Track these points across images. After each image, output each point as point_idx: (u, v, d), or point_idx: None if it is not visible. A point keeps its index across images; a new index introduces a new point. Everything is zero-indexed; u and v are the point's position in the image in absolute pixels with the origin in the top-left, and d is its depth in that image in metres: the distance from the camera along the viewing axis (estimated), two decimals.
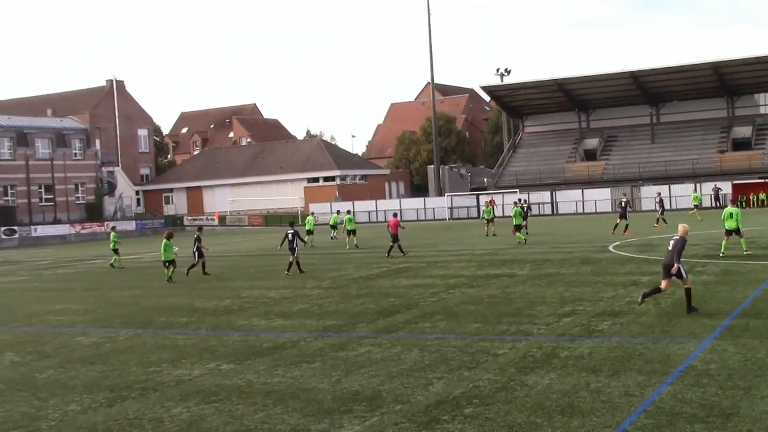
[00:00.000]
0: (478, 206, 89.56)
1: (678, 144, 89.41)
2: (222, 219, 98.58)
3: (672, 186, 78.88)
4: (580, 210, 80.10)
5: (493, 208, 50.64)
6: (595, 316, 16.78)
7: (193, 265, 31.28)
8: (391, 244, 34.96)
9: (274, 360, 14.12)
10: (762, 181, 77.32)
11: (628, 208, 44.47)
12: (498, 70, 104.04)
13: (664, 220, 47.67)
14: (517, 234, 38.89)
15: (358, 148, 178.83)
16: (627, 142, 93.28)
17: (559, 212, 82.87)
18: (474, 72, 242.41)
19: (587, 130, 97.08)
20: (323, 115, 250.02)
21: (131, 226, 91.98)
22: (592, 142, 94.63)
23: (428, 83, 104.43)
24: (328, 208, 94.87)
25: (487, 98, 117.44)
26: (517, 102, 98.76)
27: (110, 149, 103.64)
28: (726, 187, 75.32)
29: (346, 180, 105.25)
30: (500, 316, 17.44)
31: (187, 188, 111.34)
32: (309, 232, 46.87)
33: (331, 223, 51.65)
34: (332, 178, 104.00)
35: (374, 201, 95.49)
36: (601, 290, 20.66)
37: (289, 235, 30.51)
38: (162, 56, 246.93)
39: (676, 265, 16.28)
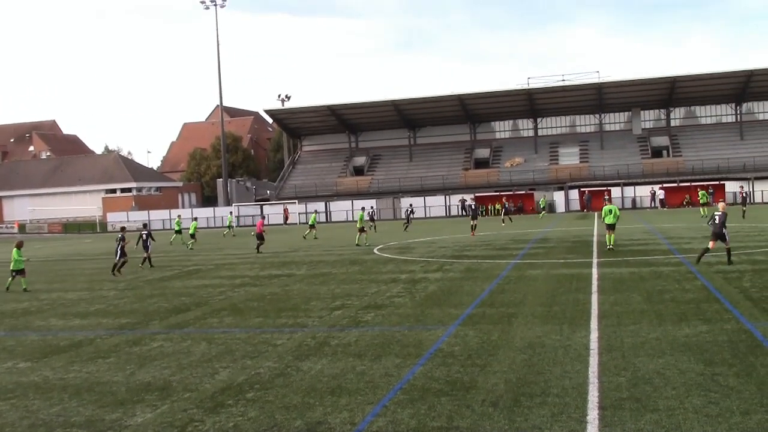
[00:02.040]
0: (262, 215, 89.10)
1: (431, 162, 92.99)
2: (22, 227, 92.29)
3: (426, 197, 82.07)
4: (350, 218, 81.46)
5: (316, 215, 50.38)
6: (361, 309, 17.05)
7: (115, 264, 28.83)
8: (258, 242, 37.36)
9: (71, 357, 13.34)
10: (497, 193, 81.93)
11: (479, 211, 45.31)
12: (279, 95, 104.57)
13: (511, 219, 56.13)
14: (361, 235, 38.55)
15: (153, 162, 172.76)
16: (389, 160, 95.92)
17: (333, 220, 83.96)
18: (259, 96, 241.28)
19: (356, 150, 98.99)
20: (121, 132, 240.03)
21: None
22: (360, 160, 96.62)
23: (218, 106, 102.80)
24: (125, 216, 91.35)
25: (270, 120, 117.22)
26: (296, 124, 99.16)
27: None
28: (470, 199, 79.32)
29: (142, 191, 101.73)
30: (280, 311, 17.38)
31: None
32: (192, 236, 45.30)
33: (176, 228, 49.47)
34: (129, 190, 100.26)
35: (168, 210, 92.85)
36: (367, 287, 21.03)
37: (143, 236, 32.19)
38: None
39: (724, 231, 21.62)
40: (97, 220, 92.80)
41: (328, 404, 9.46)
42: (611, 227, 28.03)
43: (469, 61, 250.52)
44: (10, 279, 25.20)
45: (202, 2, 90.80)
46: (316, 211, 57.47)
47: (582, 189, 78.00)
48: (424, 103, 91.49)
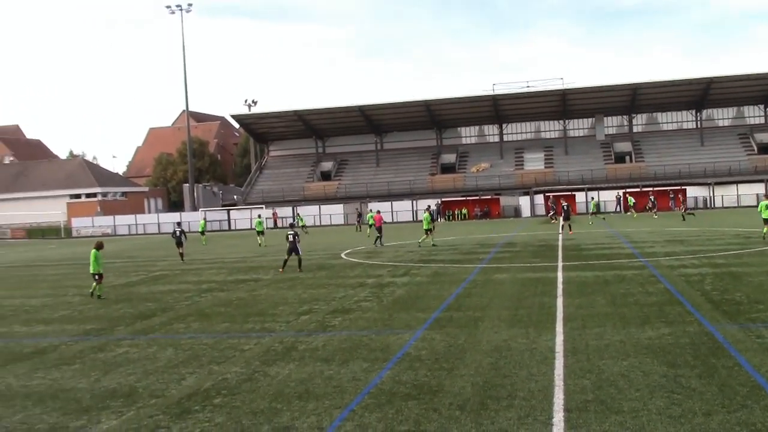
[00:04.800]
0: (229, 220, 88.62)
1: (398, 167, 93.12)
2: None
3: (393, 202, 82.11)
4: (317, 223, 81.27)
5: (263, 221, 50.62)
6: (329, 313, 17.00)
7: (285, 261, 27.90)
8: (378, 235, 39.96)
9: (35, 364, 13.12)
10: (464, 198, 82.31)
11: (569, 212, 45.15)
12: (246, 100, 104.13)
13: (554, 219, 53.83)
14: (428, 237, 37.25)
15: (119, 167, 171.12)
16: (356, 165, 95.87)
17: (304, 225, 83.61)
18: (225, 102, 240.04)
19: (323, 155, 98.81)
20: (86, 137, 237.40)
21: None
22: (327, 165, 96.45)
23: (184, 111, 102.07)
24: (90, 222, 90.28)
25: (236, 125, 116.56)
26: (263, 129, 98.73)
27: None
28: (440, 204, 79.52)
29: (107, 196, 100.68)
30: (247, 316, 17.26)
31: None
32: (201, 233, 50.94)
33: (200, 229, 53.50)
34: (94, 195, 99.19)
35: (134, 215, 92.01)
36: (334, 291, 20.97)
37: (177, 233, 35.80)
38: None
39: None
40: (62, 226, 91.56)
41: (296, 409, 9.40)
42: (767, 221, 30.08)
43: (435, 68, 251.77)
44: (95, 286, 22.35)
45: (168, 7, 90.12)
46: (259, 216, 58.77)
47: (547, 194, 78.57)
48: (390, 109, 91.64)
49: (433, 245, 37.06)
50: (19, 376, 12.16)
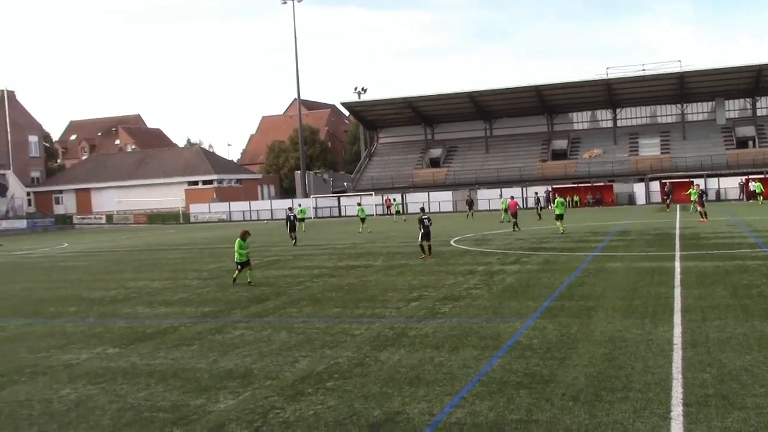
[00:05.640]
0: (339, 207, 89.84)
1: (507, 154, 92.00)
2: (109, 218, 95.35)
3: (503, 189, 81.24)
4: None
5: (365, 209, 51.81)
6: (439, 300, 17.01)
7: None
8: (514, 220, 41.70)
9: (157, 344, 13.70)
10: (575, 185, 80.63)
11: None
12: (356, 88, 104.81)
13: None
14: (558, 223, 36.81)
15: (233, 155, 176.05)
16: (465, 152, 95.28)
17: (409, 212, 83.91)
18: (335, 90, 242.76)
19: (432, 141, 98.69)
20: (202, 126, 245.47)
21: (23, 224, 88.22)
22: (436, 152, 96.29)
23: (295, 99, 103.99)
24: (206, 208, 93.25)
25: (346, 113, 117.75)
26: (372, 116, 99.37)
27: (1, 154, 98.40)
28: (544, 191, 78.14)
29: (222, 183, 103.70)
30: (357, 302, 17.47)
31: (76, 190, 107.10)
32: (301, 220, 51.25)
33: (303, 216, 54.39)
34: (210, 182, 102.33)
35: (248, 202, 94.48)
36: (444, 278, 20.96)
37: (291, 218, 38.73)
38: (53, 67, 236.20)
39: None
40: (180, 211, 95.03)
41: (407, 394, 9.46)
42: None
43: (543, 53, 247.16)
44: (236, 272, 22.38)
45: None
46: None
47: (663, 180, 75.98)
48: (500, 95, 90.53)
49: (562, 232, 36.20)
50: (143, 355, 12.72)
